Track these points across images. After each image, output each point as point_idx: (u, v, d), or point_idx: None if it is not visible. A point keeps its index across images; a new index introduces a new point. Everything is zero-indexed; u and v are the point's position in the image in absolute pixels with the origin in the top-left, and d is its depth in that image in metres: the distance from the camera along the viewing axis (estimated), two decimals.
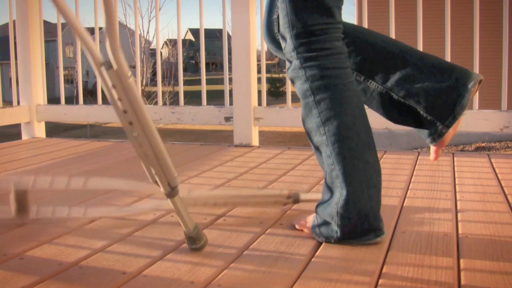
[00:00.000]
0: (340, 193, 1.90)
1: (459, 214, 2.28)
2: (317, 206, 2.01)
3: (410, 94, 2.00)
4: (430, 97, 1.97)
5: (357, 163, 1.89)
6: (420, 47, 3.79)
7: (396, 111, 2.08)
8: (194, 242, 1.87)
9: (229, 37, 4.40)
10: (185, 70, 51.59)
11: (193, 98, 13.07)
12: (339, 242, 1.93)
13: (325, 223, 1.95)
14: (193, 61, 68.01)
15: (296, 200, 2.22)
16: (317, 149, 1.97)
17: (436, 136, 2.00)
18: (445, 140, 2.01)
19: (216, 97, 9.93)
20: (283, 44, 2.01)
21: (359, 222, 1.91)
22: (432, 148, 2.06)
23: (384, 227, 1.96)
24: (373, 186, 1.92)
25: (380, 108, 2.11)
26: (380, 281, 1.63)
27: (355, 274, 1.68)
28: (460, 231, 2.06)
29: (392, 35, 3.82)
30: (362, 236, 1.92)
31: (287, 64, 2.02)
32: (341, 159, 1.89)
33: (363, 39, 2.09)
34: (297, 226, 2.10)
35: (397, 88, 2.02)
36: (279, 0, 1.96)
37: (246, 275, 1.69)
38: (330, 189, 1.94)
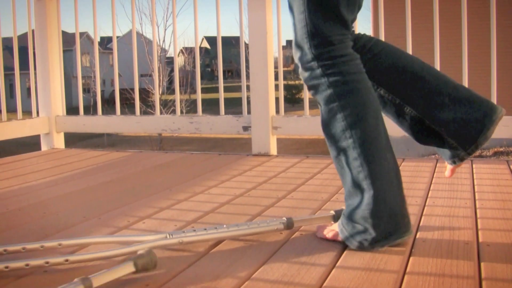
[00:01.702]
0: (369, 194, 1.95)
1: (479, 222, 2.28)
2: (345, 213, 2.04)
3: (441, 122, 2.08)
4: (458, 127, 2.05)
5: (384, 163, 1.97)
6: (437, 51, 3.79)
7: (424, 133, 2.16)
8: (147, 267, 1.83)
9: (245, 44, 4.42)
10: (201, 78, 51.71)
11: (210, 106, 13.10)
12: (373, 245, 1.96)
13: (356, 228, 1.99)
14: (209, 69, 68.13)
15: (290, 226, 2.22)
16: (339, 154, 2.01)
17: (457, 160, 2.11)
18: (463, 162, 2.12)
19: (232, 105, 9.93)
20: (298, 54, 2.04)
21: (391, 220, 1.97)
22: (449, 167, 2.15)
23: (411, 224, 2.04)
24: (398, 184, 2.01)
25: (409, 129, 2.19)
26: None
27: (377, 284, 1.69)
28: (480, 240, 2.06)
29: (409, 41, 3.82)
30: (393, 234, 1.98)
31: (304, 73, 2.04)
32: (371, 160, 1.96)
33: (401, 64, 2.15)
34: (328, 236, 2.11)
35: (429, 115, 2.10)
36: (296, 12, 2.01)
37: (268, 286, 1.69)
38: (357, 192, 1.99)
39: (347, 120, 1.96)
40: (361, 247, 1.98)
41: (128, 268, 1.75)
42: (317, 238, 2.13)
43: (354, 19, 2.06)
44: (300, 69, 2.06)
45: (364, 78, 2.02)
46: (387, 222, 1.97)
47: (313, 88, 2.03)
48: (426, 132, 2.15)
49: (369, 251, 1.96)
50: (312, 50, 1.99)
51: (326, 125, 2.02)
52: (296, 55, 2.06)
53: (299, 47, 2.03)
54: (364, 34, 2.21)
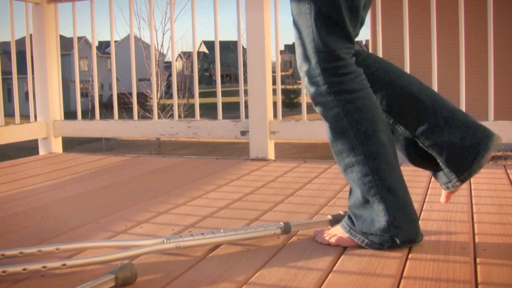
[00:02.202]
0: (384, 207, 1.99)
1: (476, 227, 2.28)
2: (352, 223, 2.08)
3: (435, 145, 2.09)
4: (452, 152, 2.06)
5: (395, 174, 2.01)
6: (435, 55, 3.80)
7: (418, 155, 2.17)
8: (128, 280, 1.80)
9: (243, 49, 4.42)
10: (199, 82, 51.72)
11: (208, 110, 13.11)
12: (396, 247, 2.01)
13: (374, 235, 2.03)
14: (207, 73, 68.16)
15: (288, 231, 2.23)
16: (347, 169, 2.05)
17: (450, 186, 2.11)
18: (458, 189, 2.12)
19: (231, 109, 9.96)
20: (305, 67, 2.06)
21: (410, 228, 2.02)
22: (444, 192, 2.16)
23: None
24: (408, 192, 2.06)
25: (403, 150, 2.20)
26: None
27: None
28: (477, 244, 2.06)
29: (407, 47, 3.83)
30: (415, 240, 2.04)
31: (310, 88, 2.06)
32: (383, 174, 1.99)
33: (398, 84, 2.17)
34: (332, 242, 2.11)
35: (423, 137, 2.11)
36: (303, 26, 2.03)
37: None
38: (364, 207, 2.04)
39: (356, 137, 2.00)
40: (380, 249, 2.03)
41: (109, 283, 1.74)
42: (314, 243, 2.14)
43: (356, 35, 2.08)
44: (306, 83, 2.07)
45: (369, 93, 2.05)
46: (406, 230, 2.01)
47: (320, 105, 2.06)
48: (420, 154, 2.16)
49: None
50: (319, 65, 2.01)
51: (335, 142, 2.05)
52: (302, 68, 2.07)
53: (306, 60, 2.05)
54: (364, 50, 2.23)
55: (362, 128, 1.99)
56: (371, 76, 2.14)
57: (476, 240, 2.11)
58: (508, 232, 2.20)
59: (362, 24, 2.13)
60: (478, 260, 1.90)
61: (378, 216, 2.00)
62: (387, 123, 2.08)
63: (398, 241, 2.00)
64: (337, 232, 2.11)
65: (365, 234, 2.04)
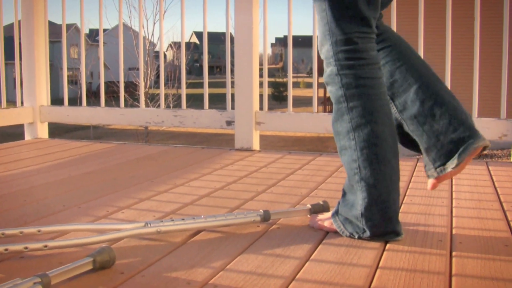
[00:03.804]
0: (362, 196, 2.02)
1: (454, 221, 2.31)
2: (339, 206, 2.12)
3: (417, 132, 2.12)
4: (432, 142, 2.08)
5: (383, 168, 2.01)
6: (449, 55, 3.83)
7: (403, 137, 2.19)
8: (106, 263, 1.80)
9: (233, 41, 4.43)
10: (189, 73, 51.61)
11: (196, 102, 13.09)
12: (367, 239, 2.04)
13: (350, 221, 2.07)
14: (198, 64, 68.05)
15: (267, 219, 2.25)
16: (342, 151, 2.08)
17: (430, 174, 2.13)
18: (444, 178, 2.11)
19: (220, 101, 9.94)
20: (322, 49, 2.11)
21: (383, 224, 2.03)
22: (429, 180, 2.16)
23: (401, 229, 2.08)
24: (396, 191, 2.05)
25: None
26: (373, 285, 1.66)
27: (349, 278, 1.72)
28: (454, 237, 2.09)
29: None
30: (384, 236, 2.05)
31: (326, 69, 2.10)
32: (368, 165, 2.00)
33: (412, 62, 2.18)
34: (326, 225, 2.17)
35: (409, 121, 2.13)
36: (319, 10, 2.07)
37: (241, 277, 1.72)
38: (352, 191, 2.06)
39: (352, 122, 2.02)
40: (352, 237, 2.07)
41: (87, 265, 1.76)
42: (293, 232, 2.16)
43: (376, 17, 2.08)
44: (324, 65, 2.11)
45: (377, 84, 2.05)
46: (380, 225, 2.02)
47: (329, 85, 2.09)
48: (405, 137, 2.18)
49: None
50: (333, 47, 2.04)
51: (335, 123, 2.09)
52: (321, 51, 2.12)
53: (323, 43, 2.09)
54: (390, 29, 2.26)
55: (360, 115, 2.01)
56: (389, 48, 2.18)
57: (453, 234, 2.13)
58: (485, 226, 2.23)
59: (384, 5, 2.16)
60: (454, 253, 1.93)
61: (356, 204, 2.03)
62: (391, 117, 2.07)
63: (369, 233, 2.02)
64: (329, 216, 2.17)
65: (344, 221, 2.08)
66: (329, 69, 2.08)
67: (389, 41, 2.20)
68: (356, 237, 2.05)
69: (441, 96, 2.10)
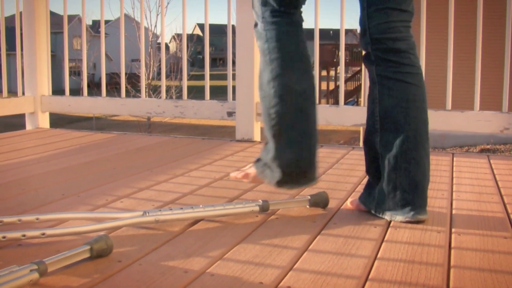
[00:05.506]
0: (272, 142, 2.21)
1: (454, 213, 2.30)
2: (261, 152, 2.34)
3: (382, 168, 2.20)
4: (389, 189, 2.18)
5: (294, 118, 2.18)
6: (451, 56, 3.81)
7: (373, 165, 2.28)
8: (103, 252, 1.80)
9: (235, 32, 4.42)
10: (192, 65, 51.60)
11: (199, 93, 13.07)
12: (277, 184, 2.25)
13: (268, 166, 2.26)
14: (201, 56, 67.97)
15: (266, 209, 2.25)
16: (262, 98, 2.23)
17: (362, 202, 2.31)
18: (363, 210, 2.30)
19: (223, 93, 9.94)
20: (254, 8, 2.30)
21: (294, 164, 2.20)
22: (355, 202, 2.35)
23: (317, 174, 2.25)
24: (312, 136, 2.21)
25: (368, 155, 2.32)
26: (370, 275, 1.66)
27: (347, 268, 1.71)
28: (453, 229, 2.08)
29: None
30: (297, 182, 2.26)
31: (255, 24, 2.31)
32: (282, 114, 2.17)
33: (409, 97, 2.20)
34: (238, 176, 2.44)
35: (384, 159, 2.19)
36: None
37: (239, 267, 1.71)
38: (267, 137, 2.25)
39: (272, 73, 2.18)
40: (270, 184, 2.28)
41: (84, 253, 1.75)
42: (292, 222, 2.16)
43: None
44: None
45: (294, 41, 2.21)
46: (290, 165, 2.20)
47: (257, 40, 2.29)
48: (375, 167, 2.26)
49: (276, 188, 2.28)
50: (261, 6, 2.24)
51: (260, 74, 2.25)
52: (253, 8, 2.31)
53: (254, 1, 2.29)
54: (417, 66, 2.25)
55: (279, 66, 2.18)
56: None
57: (453, 226, 2.13)
58: (485, 219, 2.22)
59: None
60: (452, 245, 1.92)
61: (269, 149, 2.23)
62: (308, 68, 2.22)
63: (278, 175, 2.21)
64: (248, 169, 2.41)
65: (263, 166, 2.29)
66: (257, 25, 2.27)
67: (410, 79, 2.19)
68: (273, 183, 2.24)
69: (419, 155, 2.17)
